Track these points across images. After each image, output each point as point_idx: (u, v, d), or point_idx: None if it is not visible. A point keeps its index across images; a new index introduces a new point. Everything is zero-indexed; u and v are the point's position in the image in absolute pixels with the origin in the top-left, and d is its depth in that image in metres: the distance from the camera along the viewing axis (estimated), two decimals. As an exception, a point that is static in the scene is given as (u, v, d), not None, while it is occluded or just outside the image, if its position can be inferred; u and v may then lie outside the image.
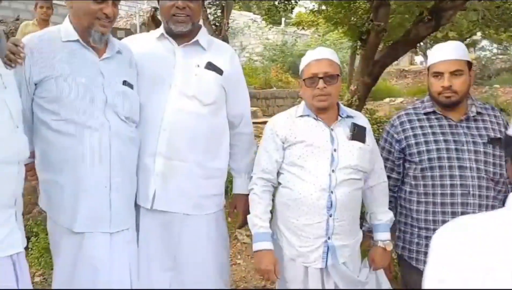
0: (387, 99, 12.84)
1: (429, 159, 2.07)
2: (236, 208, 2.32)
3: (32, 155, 1.90)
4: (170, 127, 2.03)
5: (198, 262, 2.10)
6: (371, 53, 6.42)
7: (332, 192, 1.94)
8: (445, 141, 2.07)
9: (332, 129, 2.02)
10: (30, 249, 3.40)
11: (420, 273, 2.10)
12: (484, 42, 20.21)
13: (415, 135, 2.13)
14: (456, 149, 2.04)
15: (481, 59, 17.84)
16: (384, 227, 2.10)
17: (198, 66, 2.10)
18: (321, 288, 1.99)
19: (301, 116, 2.06)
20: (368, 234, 2.22)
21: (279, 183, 2.09)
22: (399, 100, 12.68)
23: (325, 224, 1.95)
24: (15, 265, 1.52)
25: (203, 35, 2.16)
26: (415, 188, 2.13)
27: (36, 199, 2.59)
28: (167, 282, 2.06)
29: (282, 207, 2.06)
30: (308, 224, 1.97)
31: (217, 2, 7.87)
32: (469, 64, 2.08)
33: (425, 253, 2.10)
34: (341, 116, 2.05)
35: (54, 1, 5.13)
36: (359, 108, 5.87)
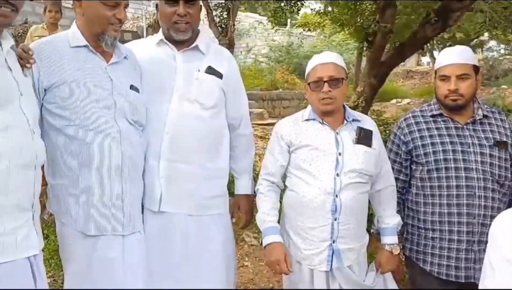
0: (393, 100, 12.80)
1: (435, 161, 2.08)
2: (239, 208, 2.35)
3: None
4: (173, 130, 2.07)
5: (203, 262, 2.12)
6: (377, 54, 6.41)
7: (336, 195, 1.95)
8: (451, 143, 2.09)
9: (337, 133, 2.03)
10: (41, 250, 3.42)
11: (427, 274, 2.13)
12: (492, 43, 20.11)
13: (421, 137, 2.15)
14: (462, 151, 2.06)
15: (488, 59, 17.75)
16: (391, 230, 2.11)
17: (199, 70, 2.14)
18: None
19: (307, 120, 2.07)
20: (376, 237, 2.23)
21: (286, 186, 2.11)
22: (406, 101, 12.64)
23: (330, 228, 1.97)
24: (33, 266, 1.54)
25: (202, 40, 2.20)
26: (422, 190, 2.15)
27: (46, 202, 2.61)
28: (171, 282, 2.07)
29: (288, 210, 2.09)
30: (313, 227, 1.98)
31: (223, 4, 7.90)
32: (476, 68, 2.10)
33: (432, 254, 2.12)
34: (347, 120, 2.06)
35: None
36: (365, 109, 5.86)
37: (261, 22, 14.19)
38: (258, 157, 4.74)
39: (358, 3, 6.82)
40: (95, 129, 1.83)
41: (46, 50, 1.85)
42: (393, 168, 2.20)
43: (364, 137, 2.03)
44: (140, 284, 1.91)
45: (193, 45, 2.15)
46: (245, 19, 16.52)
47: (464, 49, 2.15)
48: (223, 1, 8.14)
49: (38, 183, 1.59)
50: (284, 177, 2.13)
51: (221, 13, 8.13)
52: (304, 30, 12.99)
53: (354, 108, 5.31)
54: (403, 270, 2.41)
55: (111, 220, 1.86)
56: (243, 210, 2.33)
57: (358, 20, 6.86)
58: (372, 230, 2.24)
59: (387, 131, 4.93)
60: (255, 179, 2.35)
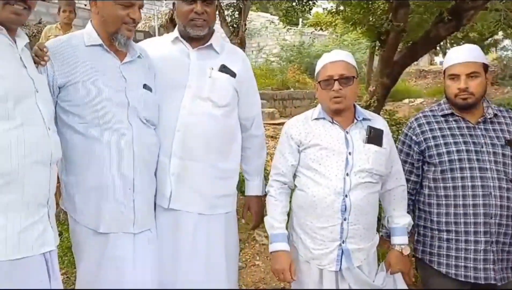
0: (406, 100, 12.71)
1: (450, 161, 2.06)
2: (249, 209, 2.35)
3: None
4: (185, 128, 2.07)
5: (210, 262, 2.12)
6: (390, 54, 6.37)
7: (346, 195, 1.94)
8: (465, 142, 2.07)
9: (347, 132, 2.01)
10: (55, 247, 3.46)
11: (442, 276, 2.10)
12: (506, 42, 19.82)
13: (434, 137, 2.13)
14: (476, 151, 2.05)
15: (502, 59, 17.49)
16: (401, 230, 2.09)
17: (212, 68, 2.15)
18: None
19: (317, 119, 2.06)
20: (386, 239, 2.21)
21: (295, 186, 2.10)
22: (419, 100, 12.54)
23: (339, 228, 1.96)
24: (48, 263, 1.56)
25: (216, 39, 2.21)
26: (435, 191, 2.13)
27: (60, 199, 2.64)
28: (178, 280, 2.08)
29: (297, 209, 2.08)
30: (323, 227, 1.98)
31: (235, 4, 7.90)
32: (485, 66, 2.08)
33: (448, 256, 2.09)
34: (357, 119, 2.04)
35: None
36: (378, 109, 5.83)
37: (272, 22, 14.16)
38: (270, 157, 4.74)
39: (370, 2, 6.78)
40: (107, 127, 1.85)
41: (61, 48, 1.87)
42: (403, 169, 2.18)
43: (374, 137, 2.01)
44: (150, 283, 1.92)
45: (208, 43, 2.16)
46: (256, 18, 16.52)
47: (473, 47, 2.14)
48: (235, 1, 8.14)
49: (54, 180, 1.61)
50: (294, 177, 2.12)
51: (233, 13, 8.13)
52: (316, 29, 12.93)
53: (367, 107, 5.28)
54: (414, 274, 2.38)
55: (122, 218, 1.87)
56: (253, 211, 2.33)
57: (371, 19, 6.82)
58: (381, 233, 2.22)
59: (400, 131, 4.88)
60: (266, 178, 2.34)
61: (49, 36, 4.94)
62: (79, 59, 1.87)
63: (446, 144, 2.09)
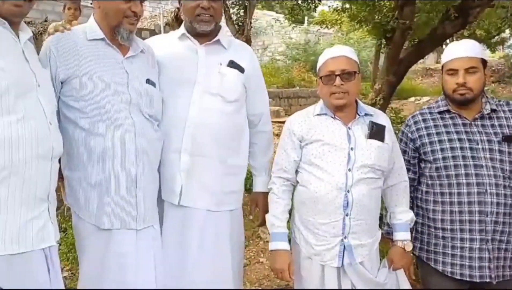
0: (412, 98, 12.64)
1: (443, 158, 2.06)
2: (256, 206, 2.34)
3: None
4: (195, 124, 2.07)
5: (217, 258, 2.12)
6: (396, 52, 6.35)
7: (348, 191, 1.93)
8: (459, 140, 2.06)
9: (349, 128, 2.01)
10: (59, 245, 3.47)
11: (439, 274, 2.09)
12: (513, 40, 19.67)
13: (429, 134, 2.12)
14: (471, 148, 2.03)
15: (509, 57, 17.36)
16: (404, 226, 2.08)
17: (221, 64, 2.14)
18: (337, 287, 1.99)
19: (319, 114, 2.05)
20: (387, 238, 2.20)
21: (297, 182, 2.09)
22: (425, 99, 12.45)
23: (341, 223, 1.95)
24: (47, 258, 1.56)
25: (223, 35, 2.20)
26: (432, 188, 2.12)
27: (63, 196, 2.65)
28: (185, 277, 2.08)
29: (300, 205, 2.07)
30: (325, 222, 1.97)
31: (240, 2, 7.89)
32: (484, 62, 2.06)
33: (444, 254, 2.08)
34: (359, 115, 2.04)
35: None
36: (383, 107, 5.82)
37: (278, 20, 14.14)
38: (275, 154, 4.74)
39: (376, 0, 6.75)
40: (110, 122, 1.85)
41: (63, 43, 1.87)
42: None
43: (376, 132, 2.00)
44: (152, 279, 1.92)
45: (215, 39, 2.16)
46: (262, 17, 16.50)
47: (471, 42, 2.11)
48: (240, -1, 8.14)
49: (55, 175, 1.61)
50: (296, 173, 2.11)
51: (238, 11, 8.13)
52: (321, 27, 12.90)
53: (373, 105, 5.26)
54: (414, 272, 2.36)
55: (124, 214, 1.87)
56: (260, 207, 2.32)
57: (377, 17, 6.79)
58: (382, 231, 2.21)
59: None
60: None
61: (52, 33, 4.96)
62: (81, 53, 1.87)
63: (440, 141, 2.08)
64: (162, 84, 2.10)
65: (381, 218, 2.15)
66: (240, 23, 8.52)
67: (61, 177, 1.93)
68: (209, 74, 2.11)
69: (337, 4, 8.62)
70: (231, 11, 7.75)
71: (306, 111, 2.13)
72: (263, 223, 2.39)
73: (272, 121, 2.51)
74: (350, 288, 1.98)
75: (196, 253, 2.08)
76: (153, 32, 10.91)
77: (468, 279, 2.02)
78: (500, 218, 1.98)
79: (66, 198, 1.96)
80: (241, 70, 2.17)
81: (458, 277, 2.04)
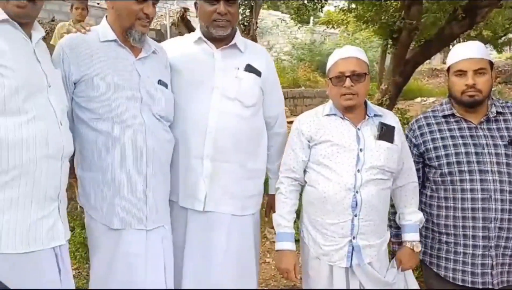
0: (418, 99, 12.58)
1: (448, 164, 2.03)
2: (272, 208, 2.33)
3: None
4: (215, 129, 2.06)
5: (242, 262, 2.13)
6: (402, 52, 6.33)
7: (357, 191, 1.93)
8: (464, 144, 2.02)
9: (358, 129, 2.00)
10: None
11: (441, 279, 2.07)
12: (521, 40, 19.55)
13: (433, 139, 2.09)
14: (476, 153, 2.00)
15: (516, 58, 17.27)
16: (413, 227, 2.07)
17: (238, 68, 2.13)
18: (345, 287, 1.99)
19: (328, 115, 2.05)
20: (395, 241, 2.19)
21: (305, 182, 2.09)
22: (431, 100, 12.39)
23: (350, 224, 1.95)
24: (58, 257, 1.57)
25: (239, 38, 2.20)
26: (436, 192, 2.10)
27: (72, 195, 2.66)
28: (212, 281, 2.09)
29: (308, 205, 2.07)
30: (333, 223, 1.97)
31: (246, 2, 7.90)
32: (491, 64, 2.04)
33: (447, 259, 2.06)
34: (368, 115, 2.03)
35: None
36: (389, 107, 5.80)
37: (283, 20, 14.14)
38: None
39: (383, 0, 6.73)
40: (121, 122, 1.85)
41: (76, 44, 1.88)
42: None
43: (386, 133, 1.99)
44: (162, 279, 1.93)
45: (232, 43, 2.16)
46: (267, 17, 16.50)
47: (478, 44, 2.08)
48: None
49: (65, 175, 1.62)
50: (304, 173, 2.10)
51: (244, 11, 8.13)
52: (328, 27, 12.88)
53: (379, 106, 5.25)
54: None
55: (134, 214, 1.88)
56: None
57: (383, 17, 6.77)
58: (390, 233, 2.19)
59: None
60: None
61: (62, 33, 4.99)
62: (94, 54, 1.88)
63: (445, 146, 2.05)
64: (178, 87, 2.10)
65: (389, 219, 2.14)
66: (246, 23, 8.52)
67: (74, 176, 1.95)
68: (227, 79, 2.11)
69: (344, 4, 8.61)
70: (237, 11, 7.77)
71: (315, 111, 2.13)
72: None
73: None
74: (358, 288, 1.98)
75: (222, 257, 2.09)
76: (158, 32, 10.93)
77: (470, 285, 2.00)
78: (504, 225, 1.95)
79: (79, 197, 1.96)
80: (258, 73, 2.16)
81: (460, 283, 2.03)
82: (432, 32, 6.84)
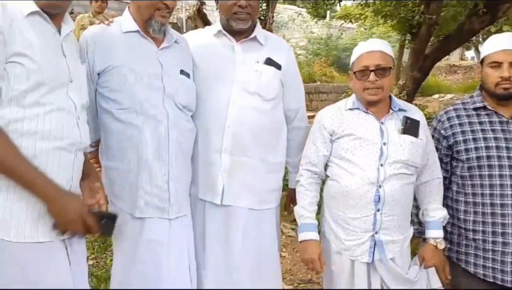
0: (436, 95, 12.47)
1: (478, 158, 1.99)
2: (292, 202, 2.33)
3: (95, 144, 1.99)
4: (235, 123, 2.06)
5: (262, 257, 2.14)
6: (421, 47, 6.26)
7: (380, 186, 1.91)
8: (495, 138, 1.98)
9: (382, 123, 1.98)
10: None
11: (470, 275, 2.04)
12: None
13: (463, 132, 2.05)
14: (507, 147, 1.96)
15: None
16: (437, 224, 2.04)
17: (258, 62, 2.12)
18: (366, 282, 1.97)
19: (351, 109, 2.03)
20: (416, 237, 2.16)
21: (327, 176, 2.08)
22: (449, 96, 12.28)
23: (373, 218, 1.93)
24: (67, 249, 1.56)
25: (259, 31, 2.19)
26: (463, 188, 2.06)
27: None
28: (230, 274, 2.10)
29: (329, 200, 2.06)
30: (355, 217, 1.95)
31: (263, -4, 7.89)
32: None
33: (476, 256, 2.03)
34: (392, 110, 2.00)
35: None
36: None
37: (300, 14, 14.06)
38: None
39: (401, -5, 6.67)
40: (144, 112, 1.86)
41: (100, 35, 1.90)
42: None
43: (410, 127, 1.97)
44: (185, 267, 1.95)
45: (252, 36, 2.15)
46: (283, 11, 16.43)
47: None
48: (263, -7, 8.12)
49: (78, 168, 1.61)
50: (325, 167, 2.10)
51: (260, 5, 8.12)
52: (345, 21, 12.77)
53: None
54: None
55: (157, 204, 1.89)
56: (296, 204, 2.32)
57: (402, 11, 6.69)
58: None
59: (429, 126, 4.80)
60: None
61: (81, 24, 5.05)
62: (117, 45, 1.89)
63: (475, 139, 2.01)
64: (198, 79, 2.10)
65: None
66: (262, 17, 8.50)
67: (99, 166, 1.97)
68: (247, 72, 2.11)
69: (362, -2, 8.53)
70: (254, 4, 7.75)
71: (337, 105, 2.11)
72: None
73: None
74: (379, 283, 1.97)
75: (240, 251, 2.09)
76: (175, 26, 10.95)
77: (500, 282, 1.97)
78: None
79: (104, 187, 1.98)
80: (278, 67, 2.15)
81: (491, 280, 1.99)
82: (451, 28, 6.75)
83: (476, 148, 2.00)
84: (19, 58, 1.41)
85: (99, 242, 3.54)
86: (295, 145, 2.28)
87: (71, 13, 8.08)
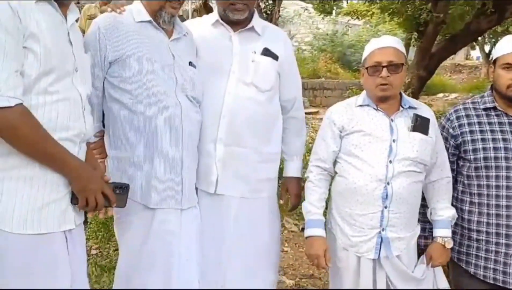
0: (440, 94, 12.44)
1: (485, 158, 1.99)
2: (287, 191, 2.35)
3: (100, 134, 1.99)
4: (230, 114, 2.07)
5: (254, 245, 2.14)
6: (428, 46, 6.24)
7: (388, 183, 1.91)
8: (504, 140, 1.98)
9: (392, 120, 1.98)
10: (89, 223, 3.55)
11: (471, 276, 2.04)
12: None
13: (471, 132, 2.04)
14: None
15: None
16: (445, 223, 2.04)
17: (255, 52, 2.13)
18: (372, 279, 1.98)
19: (361, 105, 2.03)
20: (422, 234, 2.16)
21: (336, 173, 2.08)
22: (453, 95, 12.24)
23: (380, 215, 1.93)
24: (67, 241, 1.56)
25: (257, 21, 2.19)
26: (468, 188, 2.06)
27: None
28: (221, 262, 2.11)
29: (337, 196, 2.06)
30: (362, 214, 1.95)
31: (270, -10, 7.86)
32: None
33: (477, 256, 2.03)
34: (403, 107, 2.00)
35: (114, -15, 5.30)
36: (412, 102, 5.73)
37: (306, 9, 14.02)
38: (314, 143, 4.75)
39: (409, -8, 6.63)
40: (156, 103, 1.86)
41: (112, 24, 1.88)
42: None
43: (420, 125, 1.96)
44: (195, 258, 1.96)
45: (249, 26, 2.15)
46: (289, 6, 16.37)
47: None
48: (270, -13, 8.10)
49: (82, 158, 1.60)
50: (334, 163, 2.10)
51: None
52: (352, 18, 12.74)
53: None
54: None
55: (171, 194, 1.90)
56: (292, 193, 2.33)
57: (409, 9, 6.66)
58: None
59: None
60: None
61: (88, 14, 5.05)
62: (130, 34, 1.88)
63: (483, 140, 2.01)
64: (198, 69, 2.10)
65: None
66: (268, 12, 8.48)
67: (104, 157, 1.97)
68: (243, 63, 2.11)
69: (368, -5, 8.48)
70: (260, -2, 7.72)
71: (347, 102, 2.11)
72: (294, 207, 2.40)
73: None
74: (385, 280, 1.97)
75: (231, 239, 2.10)
76: (181, 18, 10.91)
77: (501, 284, 1.97)
78: None
79: (110, 177, 1.98)
80: (275, 57, 2.16)
81: (491, 281, 2.00)
82: (458, 27, 6.72)
83: (484, 149, 2.00)
84: (31, 43, 1.40)
85: (103, 232, 3.56)
86: (291, 134, 2.29)
87: (78, 2, 8.08)
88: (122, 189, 1.69)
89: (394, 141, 1.94)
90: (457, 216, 2.08)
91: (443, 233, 2.04)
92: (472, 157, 2.03)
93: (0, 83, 1.34)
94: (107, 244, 3.50)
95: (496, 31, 11.29)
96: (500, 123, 2.02)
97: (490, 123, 2.04)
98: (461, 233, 2.10)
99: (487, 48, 16.48)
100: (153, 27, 1.94)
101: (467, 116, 2.09)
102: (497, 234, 1.98)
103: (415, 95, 6.25)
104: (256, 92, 2.11)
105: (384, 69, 1.92)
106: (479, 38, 10.30)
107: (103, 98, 1.93)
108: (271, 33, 2.24)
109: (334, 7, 14.89)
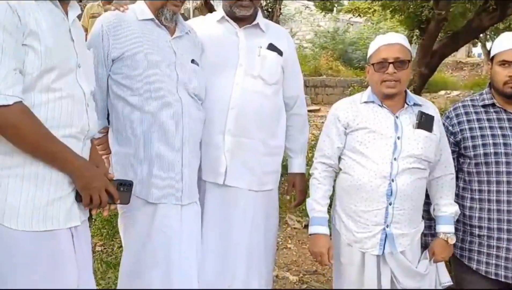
0: (442, 92, 12.43)
1: (485, 154, 2.00)
2: (293, 187, 2.38)
3: (104, 130, 2.01)
4: (238, 105, 2.10)
5: (255, 238, 2.17)
6: (430, 43, 6.24)
7: (393, 180, 1.92)
8: (503, 136, 2.00)
9: (397, 117, 1.99)
10: (94, 220, 3.58)
11: (473, 272, 2.06)
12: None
13: (471, 128, 2.07)
14: None
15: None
16: (448, 219, 2.06)
17: (261, 47, 2.17)
18: (376, 274, 1.99)
19: (366, 102, 2.04)
20: (427, 232, 2.17)
21: (340, 169, 2.09)
22: (455, 93, 12.23)
23: (384, 212, 1.95)
24: (73, 237, 1.56)
25: (261, 18, 2.23)
26: (469, 184, 2.08)
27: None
28: (228, 252, 2.14)
29: (341, 192, 2.08)
30: (367, 210, 1.97)
31: (271, -12, 7.86)
32: None
33: (479, 252, 2.04)
34: (407, 104, 2.01)
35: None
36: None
37: (307, 7, 14.00)
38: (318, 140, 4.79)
39: (410, -11, 6.62)
40: (158, 100, 1.89)
41: (116, 22, 1.91)
42: None
43: (425, 122, 1.98)
44: (194, 254, 1.97)
45: (254, 22, 2.19)
46: (291, 3, 16.36)
47: None
48: (271, -15, 8.09)
49: (86, 156, 1.61)
50: (339, 160, 2.11)
51: (268, -3, 8.10)
52: (354, 15, 12.70)
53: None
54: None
55: (172, 190, 1.92)
56: (297, 188, 2.37)
57: (411, 6, 6.65)
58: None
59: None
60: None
61: (91, 13, 5.07)
62: (133, 32, 1.91)
63: (483, 136, 2.03)
64: (203, 65, 2.12)
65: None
66: (269, 9, 8.48)
67: (108, 153, 1.99)
68: (250, 57, 2.15)
69: (370, -8, 8.47)
70: (262, -4, 7.73)
71: (352, 98, 2.13)
72: (300, 203, 2.42)
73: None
74: (389, 276, 1.99)
75: (238, 230, 2.13)
76: (182, 16, 10.92)
77: (503, 279, 1.99)
78: None
79: (114, 173, 2.00)
80: (280, 53, 2.20)
81: (493, 277, 2.01)
82: (460, 24, 6.72)
83: (484, 145, 2.02)
84: (31, 40, 1.40)
85: (108, 229, 3.58)
86: (295, 131, 2.33)
87: (80, 1, 8.09)
88: (126, 186, 1.70)
89: (398, 138, 1.96)
90: (459, 212, 2.09)
91: (446, 229, 2.05)
92: (472, 153, 2.04)
93: None
94: (112, 241, 3.53)
95: (498, 28, 11.27)
96: (499, 120, 2.04)
97: (489, 120, 2.06)
98: (463, 230, 2.11)
99: (488, 45, 16.45)
100: (155, 25, 1.96)
101: (466, 113, 2.12)
102: (499, 230, 1.99)
103: (417, 93, 6.25)
104: (263, 85, 2.15)
105: (391, 65, 1.93)
106: (481, 35, 10.29)
107: (107, 95, 1.95)
108: (274, 30, 2.29)
109: (335, 5, 14.87)
